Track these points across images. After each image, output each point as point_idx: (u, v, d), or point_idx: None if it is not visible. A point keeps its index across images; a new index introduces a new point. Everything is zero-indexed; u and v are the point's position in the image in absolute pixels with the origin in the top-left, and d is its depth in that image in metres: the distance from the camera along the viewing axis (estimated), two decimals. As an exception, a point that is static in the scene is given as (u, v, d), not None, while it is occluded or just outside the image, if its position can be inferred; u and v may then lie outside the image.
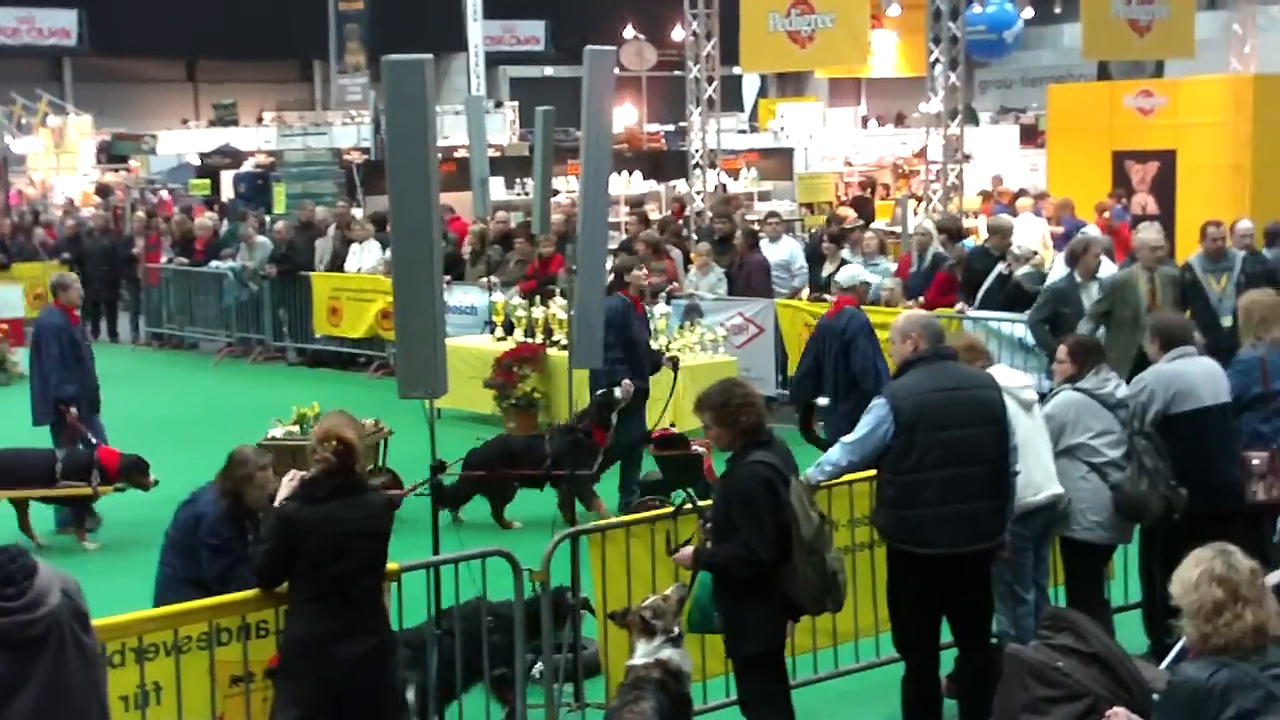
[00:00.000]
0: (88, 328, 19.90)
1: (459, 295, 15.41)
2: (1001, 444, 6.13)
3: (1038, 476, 6.61)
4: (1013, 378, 6.84)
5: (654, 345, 11.27)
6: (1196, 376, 7.06)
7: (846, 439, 6.19)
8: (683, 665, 5.89)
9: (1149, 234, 10.92)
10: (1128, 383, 7.14)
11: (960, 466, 5.99)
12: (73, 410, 10.33)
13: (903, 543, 6.07)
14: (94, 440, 10.30)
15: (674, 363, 10.81)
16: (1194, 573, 4.36)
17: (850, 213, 21.83)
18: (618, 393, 9.94)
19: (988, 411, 6.12)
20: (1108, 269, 11.21)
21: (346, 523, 5.43)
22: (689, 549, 5.96)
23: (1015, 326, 11.54)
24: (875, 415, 6.07)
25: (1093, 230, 13.88)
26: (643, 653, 5.85)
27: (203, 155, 29.21)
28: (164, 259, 19.21)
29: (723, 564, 5.77)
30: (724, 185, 21.25)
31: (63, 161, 28.98)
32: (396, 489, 10.21)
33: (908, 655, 6.30)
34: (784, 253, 14.85)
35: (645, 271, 11.19)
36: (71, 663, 3.78)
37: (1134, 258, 10.80)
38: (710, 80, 19.82)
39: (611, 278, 11.78)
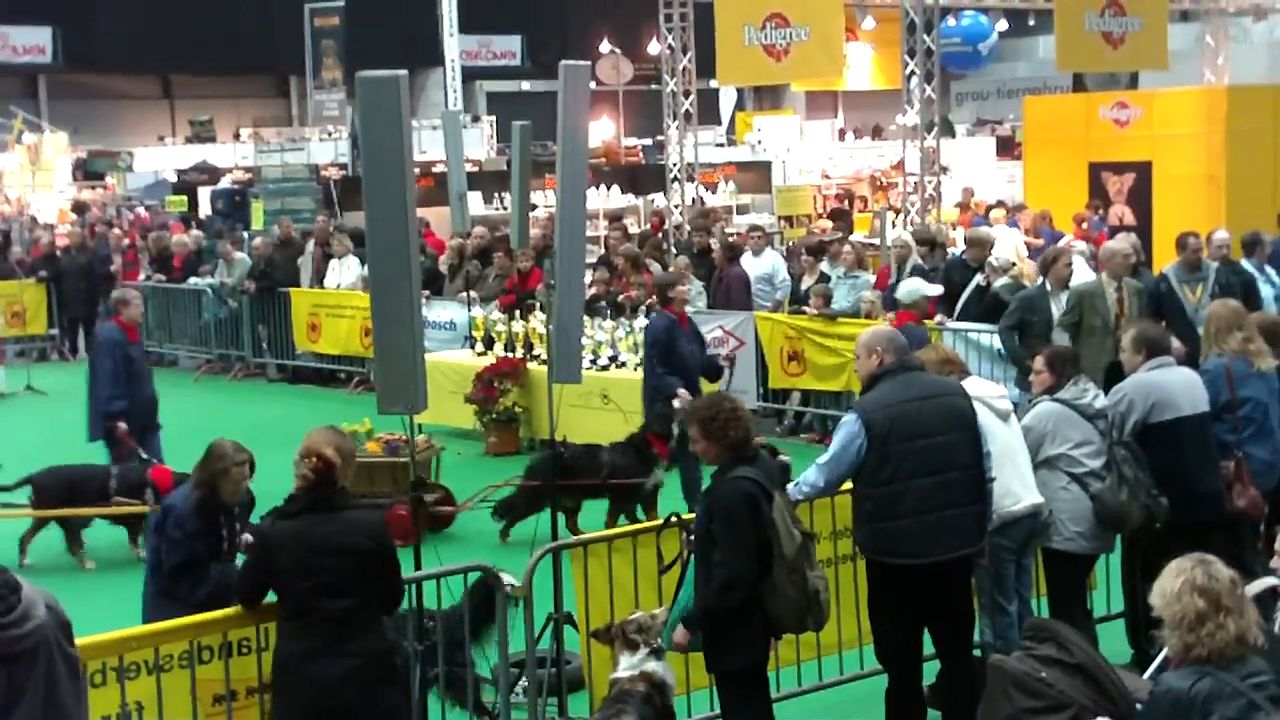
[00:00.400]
0: (65, 345, 19.96)
1: (438, 310, 15.39)
2: (975, 450, 6.15)
3: (1016, 486, 6.63)
4: (987, 388, 6.86)
5: (709, 351, 11.23)
6: (1176, 386, 7.10)
7: (820, 459, 6.20)
8: (666, 678, 5.88)
9: (1117, 243, 11.01)
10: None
11: (936, 474, 6.01)
12: (121, 425, 10.20)
13: (885, 555, 6.06)
14: (145, 456, 10.16)
15: (730, 363, 10.78)
16: (1175, 583, 4.38)
17: (828, 224, 21.91)
18: (676, 403, 9.90)
19: (959, 418, 6.15)
20: (1088, 277, 11.26)
21: (313, 539, 5.35)
22: (681, 629, 5.84)
23: (994, 337, 11.58)
24: (847, 432, 6.07)
25: (1080, 245, 13.92)
26: (626, 665, 5.85)
27: (180, 172, 29.09)
28: (142, 276, 19.14)
29: (714, 607, 5.69)
30: (700, 199, 21.27)
31: (39, 179, 28.82)
32: (449, 505, 10.14)
33: (891, 668, 6.30)
34: (766, 265, 14.87)
35: (687, 287, 11.12)
36: (61, 674, 3.79)
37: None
38: (687, 94, 19.87)
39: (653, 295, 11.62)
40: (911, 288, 10.85)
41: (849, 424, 6.09)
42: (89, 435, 10.58)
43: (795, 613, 5.65)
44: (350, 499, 5.59)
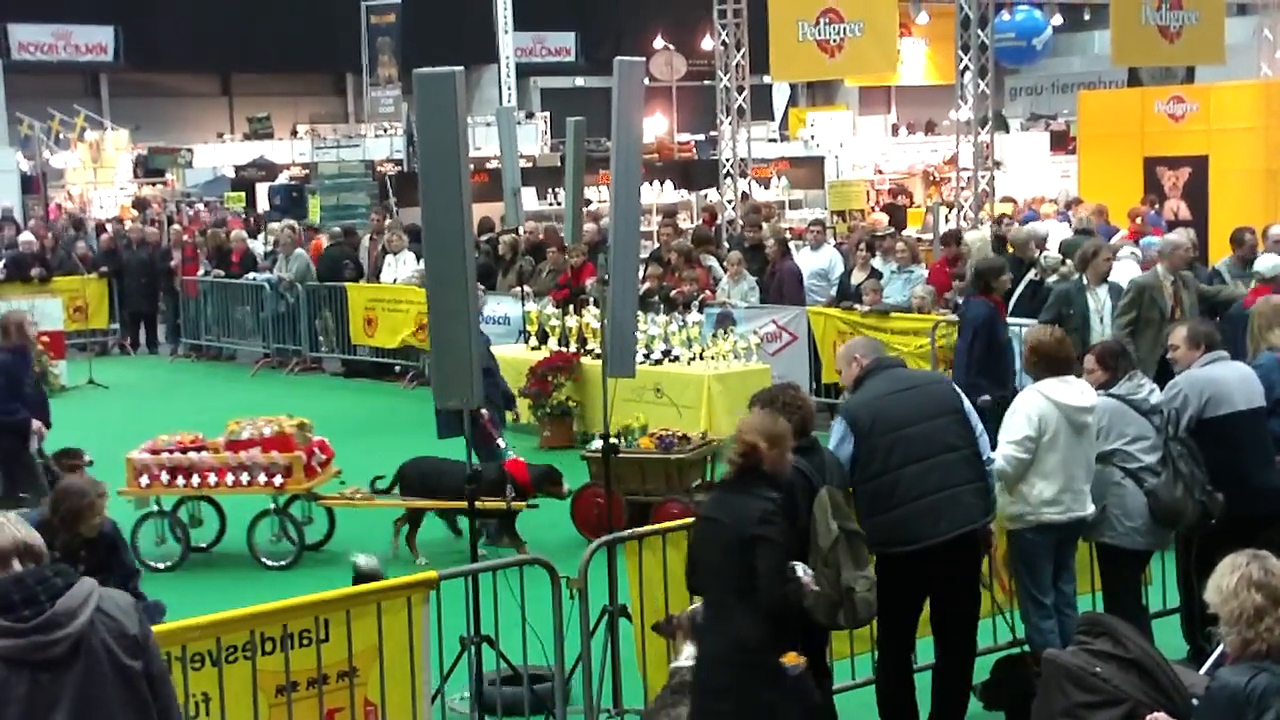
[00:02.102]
0: (126, 340, 20.25)
1: (492, 305, 15.50)
2: (965, 430, 6.24)
3: (1067, 498, 6.60)
4: (1071, 395, 6.65)
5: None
6: (1231, 381, 7.06)
7: None
8: None
9: (1178, 236, 10.96)
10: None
11: (925, 459, 6.10)
12: (485, 413, 9.99)
13: (885, 546, 6.08)
14: (504, 447, 10.07)
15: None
16: (1231, 579, 4.37)
17: (883, 218, 21.85)
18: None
19: (943, 403, 6.28)
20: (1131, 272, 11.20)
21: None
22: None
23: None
24: (835, 434, 6.22)
25: (1163, 238, 13.75)
26: (688, 655, 5.87)
27: (238, 168, 29.43)
28: (200, 271, 19.38)
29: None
30: (747, 193, 21.17)
31: (100, 175, 29.25)
32: None
33: (893, 658, 6.35)
34: (824, 260, 14.88)
35: (1009, 276, 10.67)
36: (109, 683, 3.69)
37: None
38: (740, 89, 19.88)
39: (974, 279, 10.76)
40: (1272, 262, 10.57)
41: (835, 426, 6.26)
42: (440, 431, 10.29)
43: (825, 607, 5.57)
44: (757, 485, 5.38)
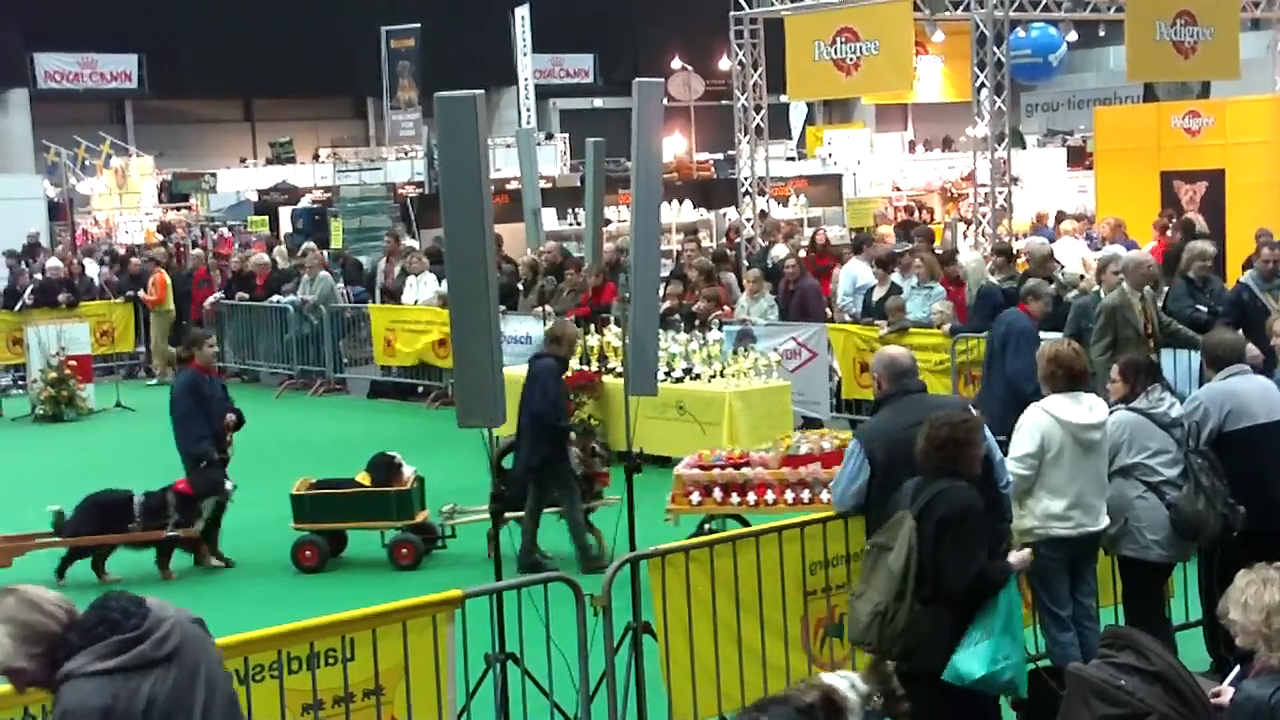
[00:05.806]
0: (152, 363, 20.37)
1: (514, 325, 15.57)
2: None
3: (1076, 514, 6.61)
4: (1077, 413, 6.66)
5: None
6: (1251, 394, 7.09)
7: (834, 484, 6.41)
8: (849, 698, 4.87)
9: (1139, 254, 11.08)
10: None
11: None
12: None
13: None
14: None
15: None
16: (1266, 593, 4.37)
17: (888, 231, 21.88)
18: None
19: None
20: None
21: None
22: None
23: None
24: (853, 463, 6.29)
25: (1125, 256, 13.80)
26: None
27: (261, 192, 29.62)
28: (214, 296, 19.46)
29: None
30: (766, 211, 21.23)
31: (125, 201, 29.50)
32: None
33: None
34: (869, 277, 14.93)
35: None
36: (215, 668, 3.91)
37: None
38: (758, 109, 19.96)
39: None
40: None
41: (854, 452, 6.31)
42: None
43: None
44: None
